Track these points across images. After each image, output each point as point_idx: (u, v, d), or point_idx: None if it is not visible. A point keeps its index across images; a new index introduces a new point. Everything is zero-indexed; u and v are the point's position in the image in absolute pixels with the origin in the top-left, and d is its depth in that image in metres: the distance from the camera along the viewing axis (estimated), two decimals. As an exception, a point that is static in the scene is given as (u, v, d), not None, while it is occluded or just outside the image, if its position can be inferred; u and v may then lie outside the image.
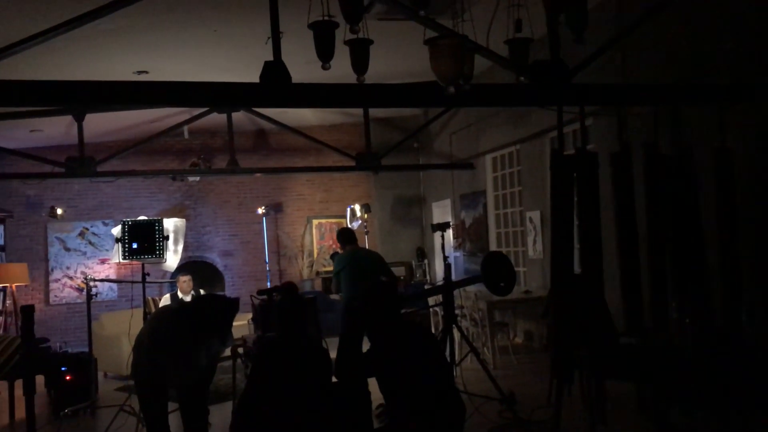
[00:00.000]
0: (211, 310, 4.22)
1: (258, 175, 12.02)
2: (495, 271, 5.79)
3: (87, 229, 11.96)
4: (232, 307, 4.37)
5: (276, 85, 4.41)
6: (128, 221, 6.31)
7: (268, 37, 4.49)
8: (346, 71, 4.25)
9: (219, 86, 4.68)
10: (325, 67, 3.90)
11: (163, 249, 6.27)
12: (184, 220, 10.11)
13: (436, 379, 3.77)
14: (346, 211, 11.82)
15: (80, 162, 8.99)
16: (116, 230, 6.53)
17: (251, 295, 6.38)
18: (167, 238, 6.37)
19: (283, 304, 4.15)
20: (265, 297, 5.65)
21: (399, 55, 7.73)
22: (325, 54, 3.91)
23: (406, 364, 3.72)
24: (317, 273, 12.00)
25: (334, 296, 7.53)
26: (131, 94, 4.67)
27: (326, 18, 4.02)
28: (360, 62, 3.94)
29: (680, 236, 5.46)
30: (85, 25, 4.76)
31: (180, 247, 8.95)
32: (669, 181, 5.62)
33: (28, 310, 3.42)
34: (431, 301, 8.90)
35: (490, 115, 9.87)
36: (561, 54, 4.94)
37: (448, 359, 6.08)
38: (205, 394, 4.76)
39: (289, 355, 3.85)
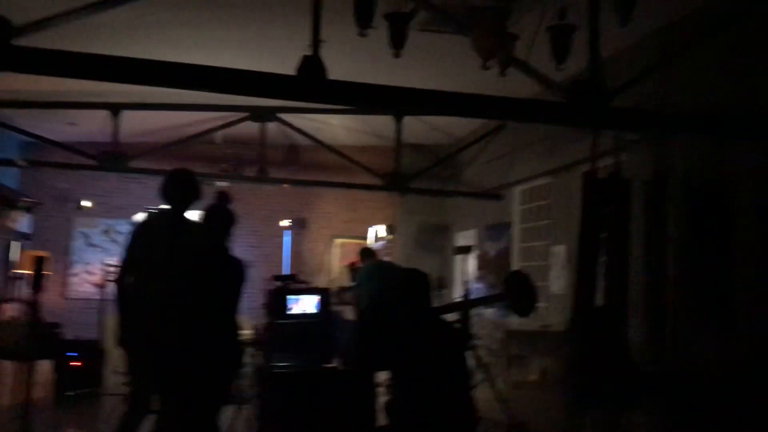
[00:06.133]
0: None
1: (285, 186, 12.02)
2: (518, 290, 5.65)
3: (113, 228, 12.03)
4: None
5: (312, 79, 4.40)
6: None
7: (309, 45, 4.49)
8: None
9: (255, 75, 4.69)
10: (363, 34, 3.83)
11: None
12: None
13: (454, 381, 3.63)
14: (369, 232, 11.74)
15: (113, 156, 9.09)
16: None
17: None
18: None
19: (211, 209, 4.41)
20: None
21: (437, 72, 7.70)
22: (363, 18, 3.82)
23: (426, 359, 3.59)
24: (338, 288, 11.87)
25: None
26: (168, 75, 4.72)
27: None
28: (397, 36, 3.85)
29: (709, 268, 5.31)
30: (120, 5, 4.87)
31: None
32: (702, 214, 5.49)
33: (39, 259, 3.39)
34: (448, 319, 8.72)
35: (524, 145, 9.78)
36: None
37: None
38: None
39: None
